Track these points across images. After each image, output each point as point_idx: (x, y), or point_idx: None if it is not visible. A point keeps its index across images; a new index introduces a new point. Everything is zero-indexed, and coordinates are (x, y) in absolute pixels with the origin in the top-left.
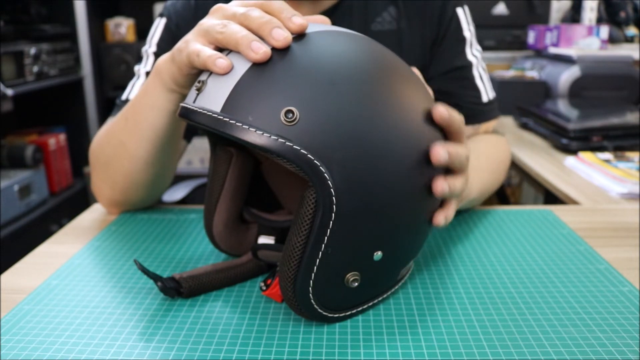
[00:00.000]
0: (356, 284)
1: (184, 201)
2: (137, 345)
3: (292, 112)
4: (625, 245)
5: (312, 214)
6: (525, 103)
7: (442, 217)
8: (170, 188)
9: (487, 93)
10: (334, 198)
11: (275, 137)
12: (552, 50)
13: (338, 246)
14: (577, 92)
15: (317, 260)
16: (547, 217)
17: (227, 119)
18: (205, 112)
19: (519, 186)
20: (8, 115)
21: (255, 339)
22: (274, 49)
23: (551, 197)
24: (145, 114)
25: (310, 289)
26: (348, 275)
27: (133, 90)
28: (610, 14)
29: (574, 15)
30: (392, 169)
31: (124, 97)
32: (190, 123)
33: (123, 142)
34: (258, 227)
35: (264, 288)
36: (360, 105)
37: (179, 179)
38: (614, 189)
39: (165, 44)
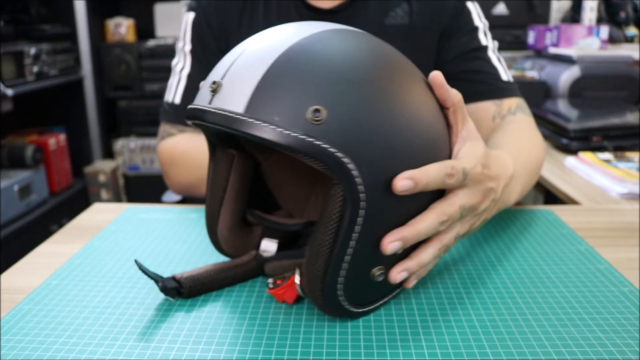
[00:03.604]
0: (382, 277)
1: (184, 201)
2: (137, 345)
3: (319, 110)
4: (625, 245)
5: (339, 212)
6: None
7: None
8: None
9: (506, 74)
10: (363, 195)
11: (303, 136)
12: (552, 50)
13: (366, 241)
14: (577, 92)
15: (346, 256)
16: (547, 217)
17: (252, 120)
18: (226, 113)
19: None
20: (8, 115)
21: (256, 339)
22: (291, 46)
23: (551, 197)
24: None
25: (338, 285)
26: (374, 270)
27: (177, 92)
28: (610, 14)
29: (574, 15)
30: (413, 164)
31: (169, 99)
32: (204, 125)
33: (204, 180)
34: (262, 229)
35: (271, 286)
36: (381, 102)
37: None
38: (614, 189)
39: (197, 39)
